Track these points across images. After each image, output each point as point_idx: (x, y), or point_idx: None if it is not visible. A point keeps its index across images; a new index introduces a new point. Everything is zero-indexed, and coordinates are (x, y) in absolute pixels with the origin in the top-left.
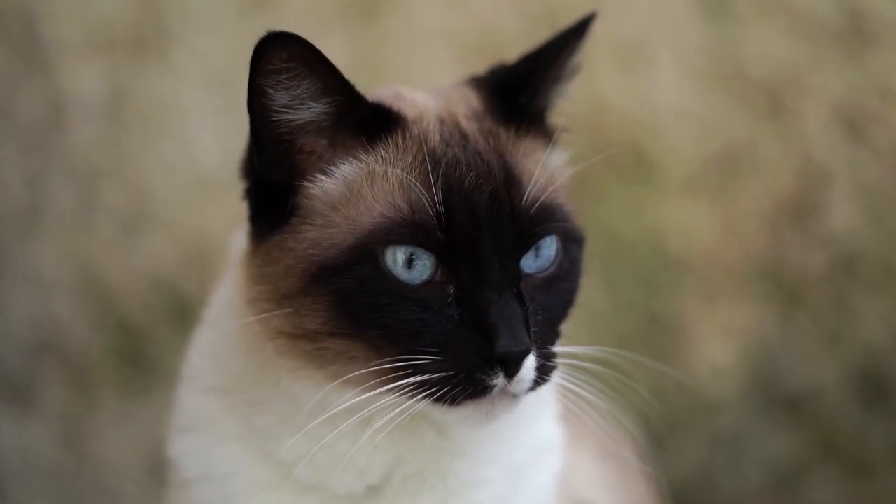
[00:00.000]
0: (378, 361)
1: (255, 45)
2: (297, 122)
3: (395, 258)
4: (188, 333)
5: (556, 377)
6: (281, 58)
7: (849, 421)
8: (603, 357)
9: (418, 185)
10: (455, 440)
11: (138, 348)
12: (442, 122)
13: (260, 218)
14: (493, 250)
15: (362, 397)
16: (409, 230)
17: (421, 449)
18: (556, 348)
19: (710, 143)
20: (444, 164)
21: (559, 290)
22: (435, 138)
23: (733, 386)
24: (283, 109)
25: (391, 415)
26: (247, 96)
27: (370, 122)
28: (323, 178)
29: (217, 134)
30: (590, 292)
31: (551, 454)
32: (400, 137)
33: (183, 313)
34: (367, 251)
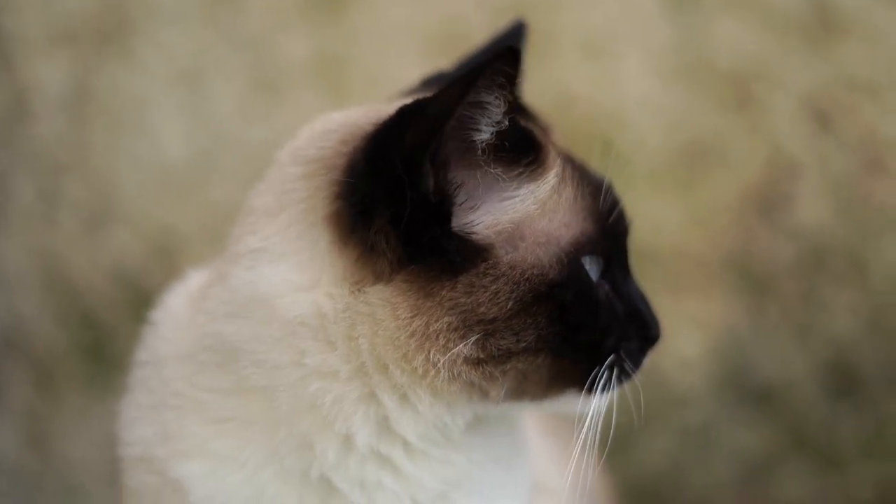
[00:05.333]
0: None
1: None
2: None
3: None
4: None
5: None
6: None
7: (819, 413)
8: None
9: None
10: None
11: (103, 344)
12: None
13: None
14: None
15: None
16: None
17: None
18: None
19: (678, 136)
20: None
21: None
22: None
23: (702, 379)
24: None
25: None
26: None
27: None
28: None
29: (182, 128)
30: None
31: None
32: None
33: (147, 308)
34: None
